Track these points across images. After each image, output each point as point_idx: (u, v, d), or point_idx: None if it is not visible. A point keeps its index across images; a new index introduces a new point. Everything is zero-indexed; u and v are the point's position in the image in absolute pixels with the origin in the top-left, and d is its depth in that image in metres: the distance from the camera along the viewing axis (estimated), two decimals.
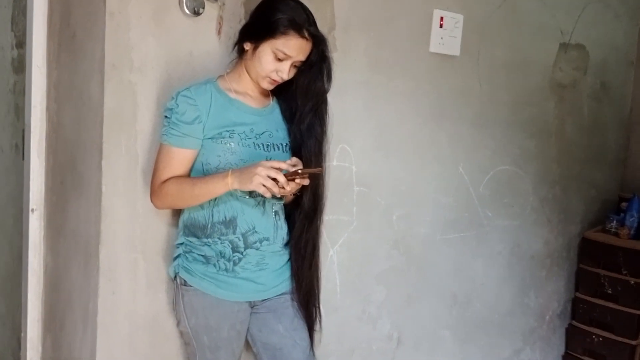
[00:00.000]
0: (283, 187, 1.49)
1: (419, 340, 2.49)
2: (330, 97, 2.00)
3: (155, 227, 1.74)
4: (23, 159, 2.11)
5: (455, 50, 2.38)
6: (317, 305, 1.82)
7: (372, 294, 2.30)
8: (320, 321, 1.84)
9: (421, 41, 2.27)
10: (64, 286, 1.92)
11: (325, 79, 1.69)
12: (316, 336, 1.86)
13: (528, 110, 2.68)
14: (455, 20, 2.34)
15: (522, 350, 2.91)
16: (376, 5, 2.12)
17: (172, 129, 1.57)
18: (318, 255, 1.81)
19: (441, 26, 2.31)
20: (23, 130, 2.10)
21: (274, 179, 1.48)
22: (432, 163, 2.39)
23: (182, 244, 1.67)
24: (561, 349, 3.07)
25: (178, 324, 1.70)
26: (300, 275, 1.75)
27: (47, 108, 1.99)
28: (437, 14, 2.29)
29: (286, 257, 1.75)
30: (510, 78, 2.58)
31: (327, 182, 2.05)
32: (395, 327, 2.40)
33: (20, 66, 2.38)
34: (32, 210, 2.04)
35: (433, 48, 2.31)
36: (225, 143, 1.59)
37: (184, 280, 1.64)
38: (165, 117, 1.59)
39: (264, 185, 1.48)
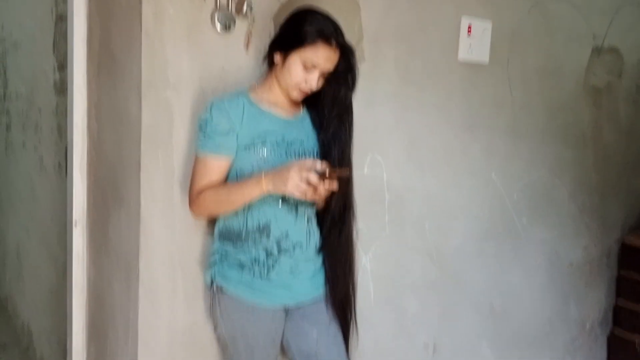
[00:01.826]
0: (316, 188, 1.51)
1: (456, 352, 2.47)
2: (360, 107, 2.04)
3: (192, 237, 1.79)
4: (66, 176, 2.20)
5: (484, 58, 2.38)
6: (352, 311, 1.83)
7: (406, 303, 2.30)
8: (356, 328, 1.85)
9: (450, 50, 2.28)
10: (107, 298, 1.98)
11: (350, 88, 1.72)
12: (352, 343, 1.87)
13: (562, 117, 2.65)
14: (483, 27, 2.35)
15: None
16: (404, 15, 2.15)
17: (208, 139, 1.62)
18: (353, 262, 1.82)
19: (469, 34, 2.32)
20: (65, 149, 2.19)
21: (308, 182, 1.51)
22: (465, 173, 2.39)
23: (217, 251, 1.71)
24: (603, 358, 3.00)
25: (215, 329, 1.74)
26: (335, 281, 1.77)
27: (88, 127, 2.07)
28: (465, 21, 2.30)
29: (319, 263, 1.78)
30: (543, 85, 2.57)
31: (357, 190, 2.09)
32: (431, 337, 2.39)
33: (62, 88, 2.49)
34: (75, 224, 2.12)
35: (462, 56, 2.32)
36: (257, 152, 1.64)
37: (220, 287, 1.68)
38: (201, 128, 1.64)
39: (299, 188, 1.51)
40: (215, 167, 1.64)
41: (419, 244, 2.30)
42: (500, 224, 2.52)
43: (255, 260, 1.66)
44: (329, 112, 1.74)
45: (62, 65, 2.47)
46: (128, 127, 1.76)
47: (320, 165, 1.53)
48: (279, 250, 1.67)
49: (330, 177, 1.53)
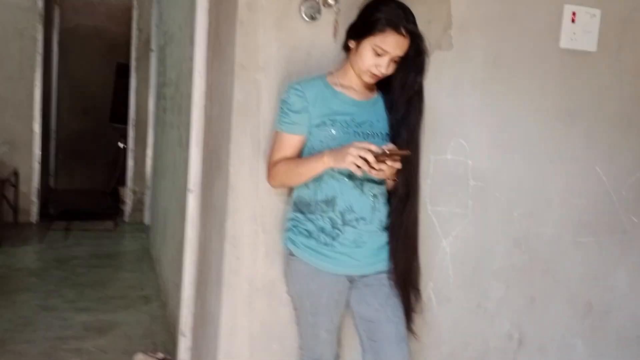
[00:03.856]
0: (373, 167, 1.65)
1: (544, 345, 2.42)
2: (445, 92, 2.13)
3: (273, 204, 2.01)
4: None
5: (591, 46, 2.30)
6: (414, 287, 1.92)
7: (489, 289, 2.32)
8: (419, 304, 1.94)
9: (549, 37, 2.25)
10: (207, 253, 2.29)
11: (419, 72, 1.81)
12: (419, 319, 1.96)
13: None
14: (590, 15, 2.28)
15: None
16: (496, 2, 2.17)
17: (284, 117, 1.83)
18: (416, 240, 1.92)
19: (573, 21, 2.26)
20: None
21: (365, 159, 1.65)
22: (562, 162, 2.33)
23: (291, 218, 1.91)
24: None
25: (287, 289, 1.95)
26: (396, 256, 1.88)
27: (205, 106, 2.39)
28: (568, 9, 2.25)
29: (385, 239, 1.90)
30: None
31: (439, 174, 2.17)
32: (517, 328, 2.38)
33: None
34: (190, 191, 2.46)
35: (564, 44, 2.27)
36: (327, 130, 1.80)
37: (291, 251, 1.88)
38: (280, 107, 1.85)
39: (354, 164, 1.65)
40: (289, 143, 1.84)
41: (505, 230, 2.30)
42: (603, 219, 2.42)
43: (321, 229, 1.83)
44: (399, 96, 1.85)
45: None
46: (225, 104, 2.03)
47: (376, 147, 1.66)
48: (343, 222, 1.82)
49: (391, 157, 1.65)
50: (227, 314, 2.02)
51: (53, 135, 6.80)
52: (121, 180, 6.34)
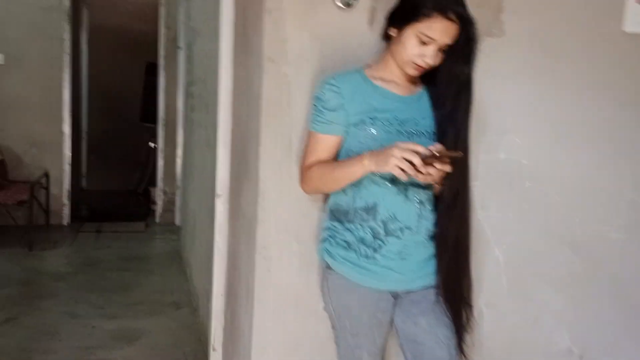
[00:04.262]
0: (420, 171, 1.46)
1: None
2: (495, 83, 1.91)
3: (307, 212, 1.82)
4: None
5: None
6: (465, 303, 1.72)
7: (547, 301, 2.09)
8: (470, 322, 1.74)
9: (610, 21, 2.01)
10: (237, 263, 2.12)
11: (468, 63, 1.60)
12: (469, 337, 1.76)
13: None
14: None
15: None
16: None
17: (318, 116, 1.64)
18: (467, 250, 1.71)
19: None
20: None
21: (411, 162, 1.45)
22: (630, 159, 2.09)
23: (328, 228, 1.73)
24: None
25: (325, 306, 1.76)
26: (445, 269, 1.68)
27: (232, 105, 2.22)
28: None
29: (433, 249, 1.70)
30: None
31: (491, 176, 1.95)
32: (578, 343, 2.15)
33: None
34: (218, 195, 2.29)
35: (629, 27, 2.02)
36: (366, 129, 1.61)
37: (328, 264, 1.70)
38: (314, 105, 1.67)
39: (399, 168, 1.46)
40: (325, 144, 1.65)
41: (565, 236, 2.07)
42: None
43: (361, 240, 1.64)
44: (446, 89, 1.64)
45: None
46: (253, 102, 1.85)
47: (423, 148, 1.46)
48: (386, 232, 1.63)
49: (440, 159, 1.46)
50: (258, 331, 1.84)
51: (84, 136, 6.76)
52: (152, 181, 6.25)
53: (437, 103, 1.68)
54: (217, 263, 2.32)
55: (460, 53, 1.60)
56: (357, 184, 1.63)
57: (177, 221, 5.56)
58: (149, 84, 6.49)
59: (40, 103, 5.38)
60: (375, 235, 1.63)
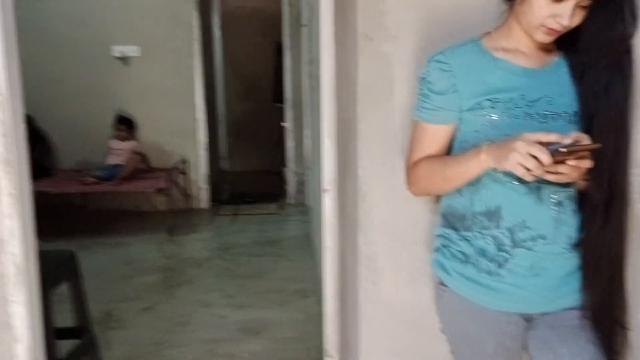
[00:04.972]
0: (550, 171, 1.14)
1: None
2: None
3: (417, 214, 1.55)
4: None
5: None
6: (620, 327, 1.35)
7: None
8: (626, 347, 1.36)
9: None
10: (346, 267, 1.90)
11: (626, 21, 1.21)
12: None
13: None
14: None
15: None
16: None
17: (424, 101, 1.36)
18: (621, 262, 1.34)
19: None
20: None
21: (538, 159, 1.13)
22: None
23: (440, 235, 1.44)
24: None
25: (441, 327, 1.49)
26: (593, 286, 1.32)
27: (336, 90, 1.98)
28: None
29: (576, 261, 1.34)
30: None
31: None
32: None
33: None
34: (326, 190, 2.08)
35: None
36: (485, 115, 1.29)
37: (441, 280, 1.41)
38: (419, 88, 1.38)
39: (522, 166, 1.14)
40: (433, 135, 1.37)
41: None
42: None
43: (481, 251, 1.34)
44: (594, 58, 1.28)
45: None
46: (350, 87, 1.60)
47: (556, 136, 1.13)
48: (514, 242, 1.31)
49: (576, 154, 1.12)
50: (366, 351, 1.62)
51: (222, 119, 6.93)
52: (284, 161, 6.26)
53: (580, 74, 1.30)
54: (327, 264, 2.13)
55: (612, 9, 1.21)
56: (475, 183, 1.32)
57: (308, 202, 5.50)
58: (279, 64, 6.45)
59: (174, 91, 5.54)
60: (499, 247, 1.32)
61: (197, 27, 5.48)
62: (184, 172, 5.56)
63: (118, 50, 5.38)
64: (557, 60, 1.34)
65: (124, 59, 5.42)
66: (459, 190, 1.36)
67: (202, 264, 4.23)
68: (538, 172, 1.15)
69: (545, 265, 1.32)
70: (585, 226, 1.33)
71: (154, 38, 5.43)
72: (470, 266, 1.35)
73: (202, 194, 5.76)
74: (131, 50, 5.40)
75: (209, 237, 4.96)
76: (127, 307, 3.42)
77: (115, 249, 4.52)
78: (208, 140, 5.72)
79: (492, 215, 1.32)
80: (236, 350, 2.93)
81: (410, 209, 1.54)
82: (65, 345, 2.53)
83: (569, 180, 1.24)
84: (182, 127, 5.60)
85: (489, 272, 1.33)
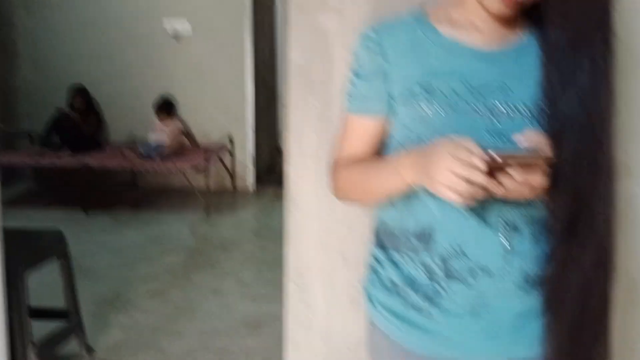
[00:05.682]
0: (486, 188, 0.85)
1: None
2: None
3: (358, 225, 1.27)
4: None
5: None
6: None
7: None
8: None
9: None
10: None
11: None
12: None
13: None
14: None
15: None
16: None
17: (350, 88, 1.09)
18: (604, 304, 1.01)
19: None
20: None
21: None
22: None
23: (371, 255, 1.16)
24: None
25: None
26: (558, 334, 1.01)
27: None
28: None
29: (532, 302, 1.03)
30: None
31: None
32: None
33: None
34: None
35: None
36: (416, 106, 1.00)
37: (370, 314, 1.14)
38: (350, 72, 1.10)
39: (450, 189, 0.86)
40: (358, 128, 1.10)
41: None
42: None
43: (410, 281, 1.05)
44: (562, 36, 0.95)
45: None
46: (282, 70, 1.33)
47: (485, 152, 0.84)
48: (447, 274, 1.01)
49: (523, 166, 0.84)
50: None
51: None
52: None
53: (549, 60, 0.98)
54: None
55: None
56: (409, 194, 1.03)
57: None
58: None
59: (224, 70, 5.42)
60: (430, 276, 1.03)
61: (248, 6, 5.31)
62: (230, 152, 5.45)
63: (169, 23, 5.32)
64: (524, 41, 1.02)
65: (175, 37, 5.36)
66: (391, 202, 1.08)
67: (229, 248, 4.11)
68: (470, 194, 0.85)
69: (490, 303, 1.02)
70: (548, 258, 1.01)
71: (205, 17, 5.33)
72: (397, 298, 1.07)
73: (248, 173, 5.64)
74: (182, 25, 5.32)
75: (246, 219, 4.84)
76: (137, 289, 3.35)
77: (148, 226, 4.48)
78: (256, 119, 5.56)
79: (424, 237, 1.03)
80: (230, 344, 2.79)
81: (350, 219, 1.27)
82: (49, 327, 2.47)
83: (521, 198, 0.93)
84: (230, 106, 5.48)
85: (418, 308, 1.05)
